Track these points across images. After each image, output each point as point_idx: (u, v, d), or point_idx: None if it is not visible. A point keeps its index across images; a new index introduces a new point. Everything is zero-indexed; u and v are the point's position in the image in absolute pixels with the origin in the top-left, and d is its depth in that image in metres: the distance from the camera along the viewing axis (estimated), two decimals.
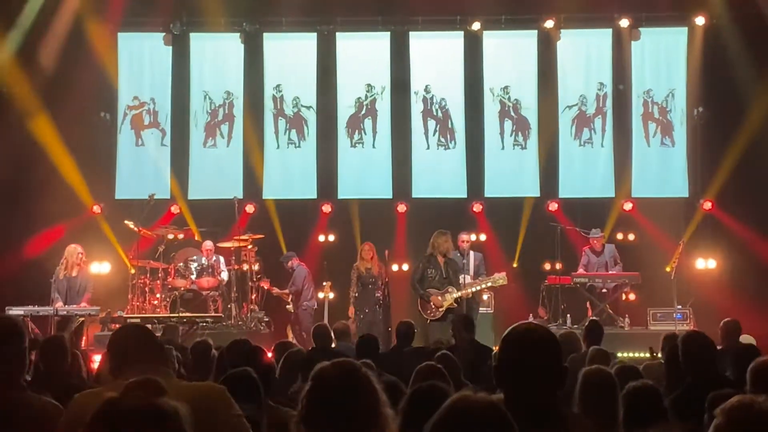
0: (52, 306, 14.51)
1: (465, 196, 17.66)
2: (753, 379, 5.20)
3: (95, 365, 9.58)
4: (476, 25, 17.62)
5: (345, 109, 17.86)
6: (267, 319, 15.94)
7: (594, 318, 11.89)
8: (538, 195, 17.61)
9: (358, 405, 3.31)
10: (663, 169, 17.76)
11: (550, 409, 3.34)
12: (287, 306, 15.98)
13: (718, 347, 7.92)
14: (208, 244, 16.15)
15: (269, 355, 7.15)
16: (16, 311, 13.71)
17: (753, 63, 16.76)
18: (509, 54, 18.01)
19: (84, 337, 14.40)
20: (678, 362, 6.80)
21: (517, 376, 3.32)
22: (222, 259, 16.15)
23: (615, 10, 17.50)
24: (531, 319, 15.45)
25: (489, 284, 14.76)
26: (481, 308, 15.27)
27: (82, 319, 14.38)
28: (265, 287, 16.16)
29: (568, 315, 15.55)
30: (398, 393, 5.04)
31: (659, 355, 9.50)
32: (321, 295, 16.00)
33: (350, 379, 3.34)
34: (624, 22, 17.52)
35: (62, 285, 14.89)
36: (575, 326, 14.29)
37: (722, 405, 3.96)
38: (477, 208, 17.48)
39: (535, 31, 17.78)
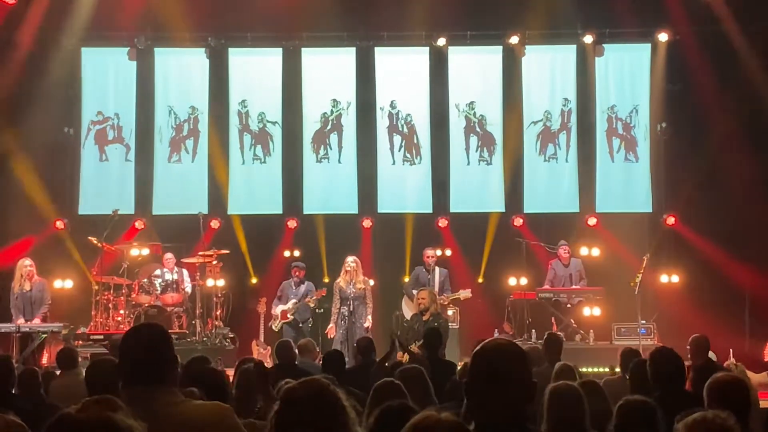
0: (14, 323, 14.39)
1: (431, 211, 17.69)
2: (709, 395, 5.24)
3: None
4: (441, 41, 17.66)
5: (311, 124, 17.85)
6: (232, 335, 15.87)
7: (551, 332, 11.88)
8: (503, 210, 17.65)
9: (328, 424, 3.28)
10: (627, 185, 17.87)
11: (519, 425, 3.33)
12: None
13: (687, 363, 7.99)
14: (169, 256, 16.08)
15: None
16: None
17: (715, 79, 16.91)
18: (474, 70, 18.08)
19: (47, 354, 14.31)
20: (642, 377, 6.82)
21: (488, 392, 3.31)
22: (185, 272, 16.09)
23: (579, 26, 17.60)
24: (496, 334, 15.49)
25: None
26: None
27: (45, 336, 14.26)
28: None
29: (534, 330, 15.59)
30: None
31: (617, 369, 9.55)
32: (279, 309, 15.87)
33: (320, 398, 3.30)
34: (588, 39, 17.63)
35: (19, 301, 14.78)
36: (540, 341, 14.30)
37: (685, 419, 4.00)
38: (442, 223, 17.52)
39: (500, 47, 17.85)
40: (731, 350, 13.80)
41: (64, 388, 8.47)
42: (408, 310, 15.49)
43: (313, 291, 15.75)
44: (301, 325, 15.58)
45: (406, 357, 10.98)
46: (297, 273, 15.90)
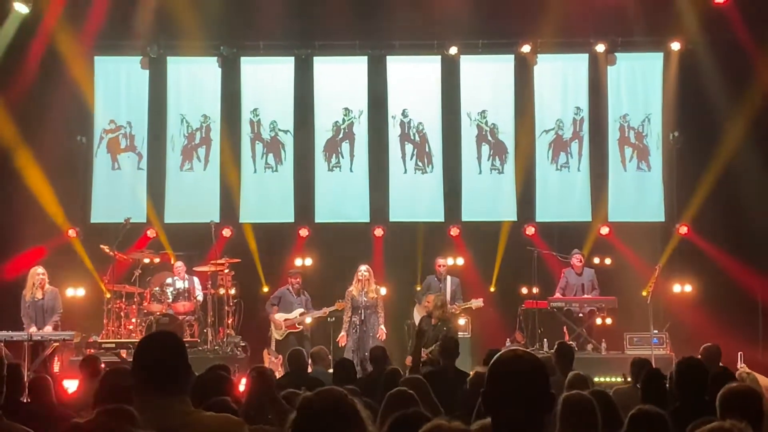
0: (25, 331, 14.40)
1: (442, 220, 17.66)
2: (722, 405, 5.21)
3: (70, 390, 9.53)
4: (453, 50, 17.65)
5: (322, 132, 17.85)
6: (243, 344, 15.86)
7: (562, 341, 11.84)
8: (515, 219, 17.62)
9: None
10: (639, 194, 17.82)
11: None
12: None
13: None
14: (179, 264, 16.08)
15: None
16: None
17: (728, 88, 16.88)
18: (486, 78, 18.06)
19: (59, 362, 14.34)
20: (654, 387, 6.79)
21: (507, 403, 3.29)
22: (197, 280, 16.08)
23: (591, 35, 17.57)
24: (508, 343, 15.48)
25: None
26: (459, 333, 15.17)
27: (57, 344, 14.29)
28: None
29: (545, 339, 15.54)
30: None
31: (629, 379, 9.52)
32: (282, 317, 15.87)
33: (336, 408, 3.29)
34: (600, 47, 17.61)
35: (31, 309, 14.81)
36: (552, 351, 14.25)
37: (701, 428, 3.98)
38: (454, 232, 17.48)
39: (512, 56, 17.84)
40: (740, 354, 13.77)
41: (88, 396, 8.47)
42: (419, 319, 15.47)
43: (309, 300, 15.83)
44: (305, 333, 15.62)
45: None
46: (297, 280, 15.95)
